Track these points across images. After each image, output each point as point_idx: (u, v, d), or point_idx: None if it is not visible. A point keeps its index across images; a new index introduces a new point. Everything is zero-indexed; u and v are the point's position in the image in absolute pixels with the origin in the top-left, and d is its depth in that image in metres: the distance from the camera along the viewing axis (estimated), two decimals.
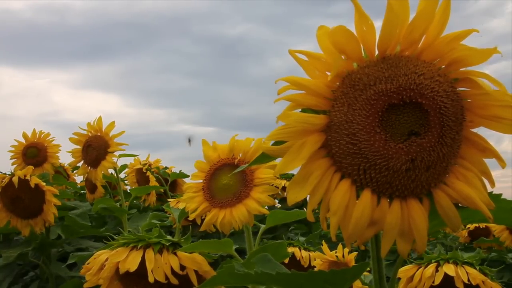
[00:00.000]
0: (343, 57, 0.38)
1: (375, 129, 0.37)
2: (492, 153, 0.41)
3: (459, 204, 0.40)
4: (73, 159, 1.50)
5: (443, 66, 0.39)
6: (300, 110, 0.39)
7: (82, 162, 1.49)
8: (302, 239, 1.20)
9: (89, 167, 1.48)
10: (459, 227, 0.39)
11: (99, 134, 1.46)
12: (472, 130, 0.41)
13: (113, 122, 1.47)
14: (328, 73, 0.38)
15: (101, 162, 1.44)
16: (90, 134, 1.47)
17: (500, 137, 0.42)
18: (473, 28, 0.38)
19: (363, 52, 0.38)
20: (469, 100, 0.40)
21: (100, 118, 1.47)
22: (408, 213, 0.38)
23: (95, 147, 1.44)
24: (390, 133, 0.37)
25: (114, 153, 1.45)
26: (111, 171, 1.46)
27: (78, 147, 1.49)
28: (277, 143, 0.40)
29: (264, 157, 0.45)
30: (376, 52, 0.38)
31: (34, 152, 1.76)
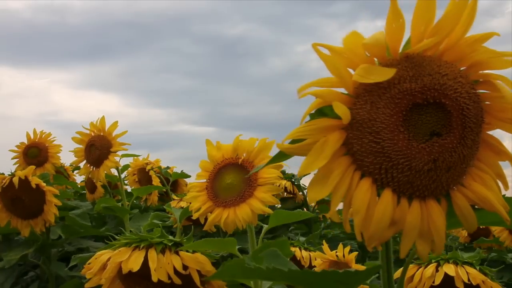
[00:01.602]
0: (368, 54, 0.38)
1: (399, 128, 0.36)
2: (506, 155, 0.41)
3: (476, 206, 0.40)
4: (75, 159, 1.50)
5: (463, 68, 0.39)
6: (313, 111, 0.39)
7: (84, 161, 1.49)
8: (302, 239, 1.20)
9: (92, 167, 1.47)
10: (475, 228, 0.40)
11: (102, 133, 1.46)
12: (488, 132, 0.41)
13: (116, 122, 1.47)
14: (351, 70, 0.38)
15: (103, 162, 1.44)
16: (93, 134, 1.47)
17: (500, 137, 0.42)
18: (494, 31, 0.38)
19: (387, 50, 0.38)
20: (487, 103, 0.40)
21: (103, 117, 1.47)
22: (427, 214, 0.38)
23: (98, 146, 1.44)
24: (413, 132, 0.37)
25: (117, 153, 1.45)
26: (113, 170, 1.47)
27: (81, 146, 1.48)
28: (293, 141, 0.39)
29: (281, 156, 0.45)
30: (400, 51, 0.38)
31: (35, 152, 1.76)
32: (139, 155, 1.95)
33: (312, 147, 0.37)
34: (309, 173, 0.38)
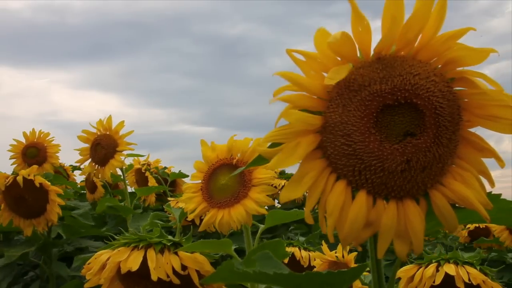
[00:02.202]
0: (339, 58, 0.38)
1: (370, 130, 0.36)
2: (490, 152, 0.41)
3: (457, 205, 0.39)
4: (78, 157, 1.51)
5: (439, 66, 0.39)
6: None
7: (89, 160, 1.50)
8: (302, 239, 1.20)
9: (97, 166, 1.48)
10: (455, 228, 0.39)
11: (108, 132, 1.47)
12: (470, 129, 0.40)
13: (123, 122, 1.49)
14: (325, 74, 0.38)
15: (109, 161, 1.44)
16: (99, 133, 1.48)
17: (500, 137, 0.42)
18: (469, 26, 0.38)
19: (358, 53, 0.38)
20: (466, 100, 0.39)
21: (110, 117, 1.48)
22: (404, 214, 0.38)
23: (104, 145, 1.44)
24: (386, 134, 0.37)
25: (123, 152, 1.45)
26: (116, 170, 1.47)
27: (87, 145, 1.49)
28: (273, 145, 0.39)
29: (261, 159, 0.45)
30: (371, 52, 0.38)
31: (34, 152, 1.77)
32: (143, 155, 1.96)
33: None
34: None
